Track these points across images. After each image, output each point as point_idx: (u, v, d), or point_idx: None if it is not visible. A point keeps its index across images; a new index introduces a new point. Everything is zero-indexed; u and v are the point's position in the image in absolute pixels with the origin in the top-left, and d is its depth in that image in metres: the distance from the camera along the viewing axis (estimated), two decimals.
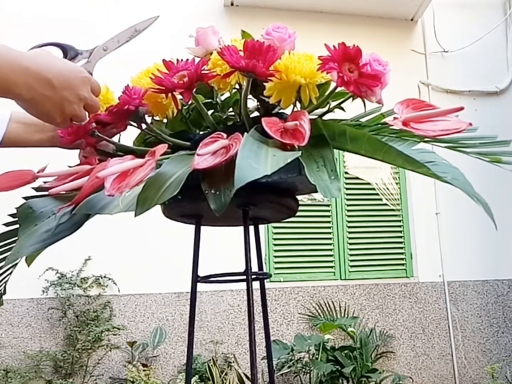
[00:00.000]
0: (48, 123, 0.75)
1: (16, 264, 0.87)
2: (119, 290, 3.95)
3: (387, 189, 4.66)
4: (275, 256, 4.32)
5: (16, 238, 0.75)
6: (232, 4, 4.60)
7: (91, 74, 0.84)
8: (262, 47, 0.74)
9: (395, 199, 4.66)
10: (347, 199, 4.54)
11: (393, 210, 4.65)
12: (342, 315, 4.28)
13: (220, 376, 3.68)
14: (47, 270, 3.77)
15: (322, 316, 4.24)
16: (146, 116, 0.83)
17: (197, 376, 3.68)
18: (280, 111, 0.82)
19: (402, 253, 4.60)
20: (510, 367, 4.50)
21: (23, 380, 3.51)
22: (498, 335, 4.60)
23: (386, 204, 4.64)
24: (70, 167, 0.86)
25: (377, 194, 4.63)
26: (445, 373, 4.44)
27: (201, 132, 0.86)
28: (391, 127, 0.72)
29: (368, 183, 4.63)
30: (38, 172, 0.86)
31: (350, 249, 4.47)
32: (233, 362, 3.92)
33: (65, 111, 0.72)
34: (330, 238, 4.46)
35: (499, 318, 4.63)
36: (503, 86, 5.00)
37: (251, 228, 0.88)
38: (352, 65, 0.72)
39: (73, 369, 3.71)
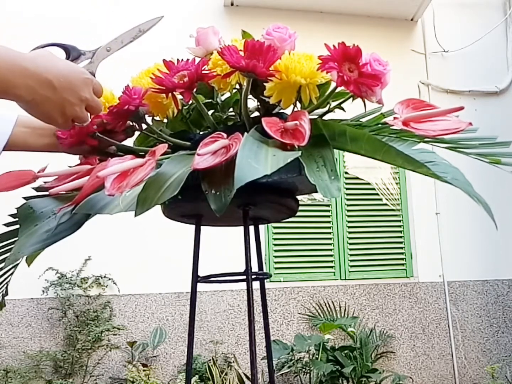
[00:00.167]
0: (49, 124, 0.74)
1: (17, 264, 0.87)
2: (119, 290, 3.95)
3: (387, 189, 4.66)
4: (275, 256, 4.32)
5: (17, 238, 0.75)
6: (232, 4, 4.60)
7: (94, 75, 0.84)
8: (263, 47, 0.74)
9: (395, 199, 4.66)
10: (347, 199, 4.54)
11: (393, 210, 4.65)
12: (342, 315, 4.28)
13: (220, 376, 3.68)
14: (47, 270, 3.77)
15: (322, 316, 4.24)
16: (146, 116, 0.83)
17: (197, 376, 3.68)
18: (280, 111, 0.82)
19: (402, 253, 4.60)
20: (510, 367, 4.50)
21: (23, 380, 3.51)
22: (498, 335, 4.60)
23: (386, 204, 4.64)
24: (70, 167, 0.86)
25: (377, 194, 4.63)
26: (445, 373, 4.44)
27: (201, 132, 0.86)
28: (391, 127, 0.72)
29: (368, 183, 4.63)
30: (38, 172, 0.86)
31: (350, 249, 4.47)
32: (233, 362, 3.92)
33: (66, 113, 0.71)
34: (330, 238, 4.46)
35: (499, 318, 4.63)
36: (503, 86, 5.00)
37: (251, 228, 0.88)
38: (352, 65, 0.72)
39: (73, 369, 3.71)
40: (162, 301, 4.05)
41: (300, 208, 0.91)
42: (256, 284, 0.88)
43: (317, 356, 3.76)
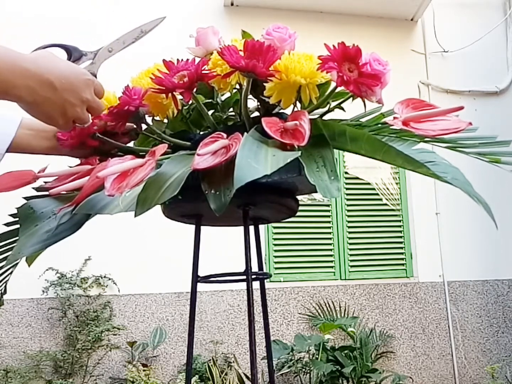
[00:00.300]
0: (50, 125, 0.74)
1: (17, 264, 0.87)
2: (119, 290, 3.95)
3: (387, 189, 4.66)
4: (275, 256, 4.32)
5: (17, 238, 0.75)
6: (232, 4, 4.60)
7: (96, 76, 0.84)
8: (262, 47, 0.74)
9: (395, 199, 4.66)
10: (347, 199, 4.54)
11: (393, 210, 4.65)
12: (342, 315, 4.28)
13: (220, 376, 3.68)
14: (47, 270, 3.77)
15: (322, 316, 4.24)
16: (146, 116, 0.83)
17: (197, 376, 3.68)
18: (280, 111, 0.82)
19: (402, 253, 4.60)
20: (510, 367, 4.50)
21: (23, 380, 3.51)
22: (498, 335, 4.60)
23: (386, 204, 4.64)
24: (70, 167, 0.86)
25: (377, 194, 4.63)
26: (445, 373, 4.44)
27: (201, 132, 0.86)
28: (391, 127, 0.72)
29: (368, 183, 4.63)
30: (38, 173, 0.86)
31: (350, 249, 4.47)
32: (233, 362, 3.92)
33: (67, 114, 0.71)
34: (330, 238, 4.46)
35: (499, 318, 4.63)
36: (503, 86, 5.00)
37: (251, 228, 0.88)
38: (352, 65, 0.72)
39: (73, 369, 3.71)
40: (162, 301, 4.05)
41: (300, 208, 0.91)
42: (256, 284, 0.88)
43: (317, 356, 3.76)
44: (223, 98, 0.88)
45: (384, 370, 4.16)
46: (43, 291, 3.80)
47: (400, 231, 4.62)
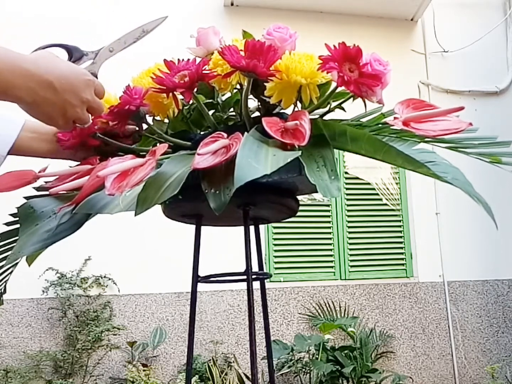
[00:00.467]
0: (50, 125, 0.74)
1: (17, 263, 0.87)
2: (119, 290, 3.95)
3: (387, 189, 4.66)
4: (275, 256, 4.32)
5: (17, 237, 0.75)
6: (232, 4, 4.60)
7: (96, 76, 0.84)
8: (263, 47, 0.74)
9: (395, 199, 4.66)
10: (347, 199, 4.54)
11: (393, 210, 4.65)
12: (342, 315, 4.28)
13: (220, 376, 3.68)
14: (47, 270, 3.78)
15: (322, 316, 4.24)
16: (147, 116, 0.83)
17: (197, 376, 3.68)
18: (280, 111, 0.82)
19: (402, 253, 4.60)
20: (510, 367, 4.50)
21: (23, 380, 3.51)
22: (498, 335, 4.60)
23: (386, 204, 4.64)
24: (70, 167, 0.86)
25: (377, 194, 4.63)
26: (445, 373, 4.44)
27: (202, 132, 0.86)
28: (391, 127, 0.72)
29: (368, 183, 4.63)
30: (39, 172, 0.86)
31: (350, 249, 4.47)
32: (233, 362, 3.92)
33: (68, 114, 0.71)
34: (330, 238, 4.46)
35: (499, 318, 4.63)
36: (503, 86, 5.00)
37: (251, 228, 0.88)
38: (353, 65, 0.72)
39: (73, 369, 3.71)
40: (162, 301, 4.05)
41: (300, 208, 0.91)
42: (256, 284, 0.88)
43: (317, 356, 3.76)
44: (223, 98, 0.88)
45: (384, 370, 4.16)
46: (43, 291, 3.80)
47: (400, 231, 4.62)
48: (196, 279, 0.86)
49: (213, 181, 0.69)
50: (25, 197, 0.82)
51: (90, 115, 0.76)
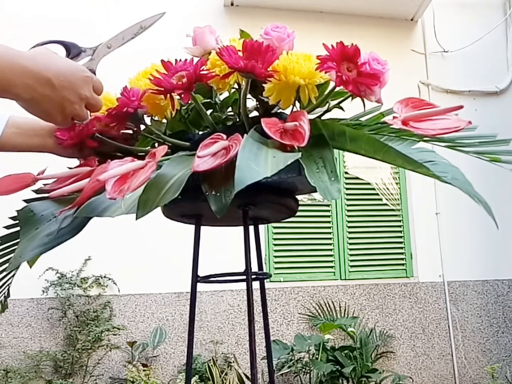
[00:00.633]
0: (49, 122, 0.74)
1: (18, 266, 0.86)
2: (119, 290, 3.94)
3: (387, 189, 4.66)
4: (275, 256, 4.32)
5: (17, 240, 0.74)
6: (232, 4, 4.60)
7: (95, 72, 0.83)
8: (261, 47, 0.74)
9: (395, 199, 4.66)
10: (347, 199, 4.54)
11: (393, 210, 4.65)
12: (342, 315, 4.27)
13: (220, 376, 3.68)
14: (47, 270, 3.77)
15: (322, 316, 4.24)
16: (145, 116, 0.83)
17: (197, 376, 3.68)
18: (279, 111, 0.82)
19: (402, 253, 4.59)
20: (510, 367, 4.50)
21: (23, 380, 3.51)
22: (498, 335, 4.60)
23: (386, 204, 4.64)
24: (70, 168, 0.86)
25: (377, 194, 4.63)
26: (445, 373, 4.44)
27: (200, 132, 0.86)
28: (390, 126, 0.72)
29: (368, 183, 4.63)
30: (38, 175, 0.86)
31: (350, 249, 4.47)
32: (233, 362, 3.92)
33: (66, 111, 0.71)
34: (330, 238, 4.46)
35: (499, 318, 4.63)
36: (503, 86, 5.00)
37: (251, 228, 0.88)
38: (351, 64, 0.72)
39: (73, 369, 3.71)
40: (162, 301, 4.05)
41: (300, 208, 0.91)
42: (256, 284, 0.88)
43: (317, 356, 3.76)
44: (221, 97, 0.88)
45: (384, 370, 4.16)
46: (43, 291, 3.80)
47: (400, 231, 4.62)
48: (196, 279, 0.86)
49: (214, 183, 0.69)
50: (24, 200, 0.82)
51: (88, 111, 0.76)
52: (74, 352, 3.67)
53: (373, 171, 4.62)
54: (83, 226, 0.77)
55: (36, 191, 0.87)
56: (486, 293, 4.65)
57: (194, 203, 0.79)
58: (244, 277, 0.82)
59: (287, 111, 0.80)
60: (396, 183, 4.69)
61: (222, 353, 4.00)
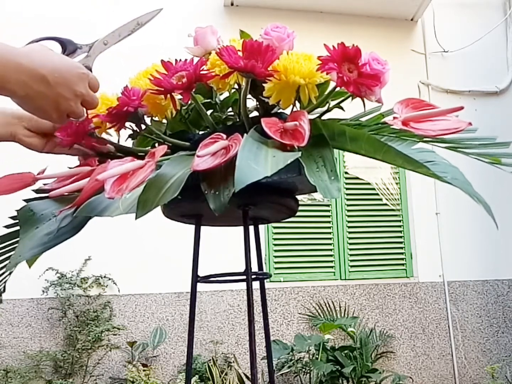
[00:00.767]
0: (44, 119, 0.73)
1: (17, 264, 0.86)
2: (119, 290, 3.95)
3: (387, 189, 4.66)
4: (275, 256, 4.32)
5: (16, 239, 0.74)
6: (232, 4, 4.60)
7: (91, 69, 0.83)
8: (261, 47, 0.74)
9: (395, 199, 4.66)
10: (347, 199, 4.54)
11: (393, 210, 4.65)
12: (342, 315, 4.27)
13: (220, 376, 3.68)
14: (47, 270, 3.77)
15: (322, 316, 4.24)
16: (145, 116, 0.83)
17: (197, 376, 3.68)
18: (279, 110, 0.82)
19: (402, 253, 4.59)
20: (510, 367, 4.50)
21: (23, 380, 3.51)
22: (498, 335, 4.60)
23: (386, 204, 4.64)
24: (70, 168, 0.86)
25: (377, 194, 4.63)
26: (445, 373, 4.44)
27: (200, 132, 0.86)
28: (391, 127, 0.72)
29: (368, 183, 4.63)
30: (37, 174, 0.86)
31: (350, 249, 4.47)
32: (233, 362, 3.92)
33: (61, 108, 0.71)
34: (330, 238, 4.46)
35: (499, 318, 4.63)
36: (503, 86, 5.00)
37: (251, 228, 0.88)
38: (352, 65, 0.72)
39: (73, 369, 3.71)
40: (162, 301, 4.04)
41: (300, 208, 0.91)
42: (256, 284, 0.88)
43: (317, 356, 3.76)
44: (221, 97, 0.88)
45: (384, 370, 4.16)
46: (43, 291, 3.80)
47: (400, 231, 4.62)
48: (196, 279, 0.86)
49: (213, 182, 0.69)
50: (24, 200, 0.82)
51: (84, 109, 0.75)
52: (74, 352, 3.67)
53: (373, 171, 4.62)
54: (83, 226, 0.77)
55: (36, 191, 0.87)
56: (486, 293, 4.65)
57: (194, 203, 0.79)
58: (244, 277, 0.82)
59: (287, 111, 0.80)
60: (396, 183, 4.69)
61: (222, 353, 4.00)
